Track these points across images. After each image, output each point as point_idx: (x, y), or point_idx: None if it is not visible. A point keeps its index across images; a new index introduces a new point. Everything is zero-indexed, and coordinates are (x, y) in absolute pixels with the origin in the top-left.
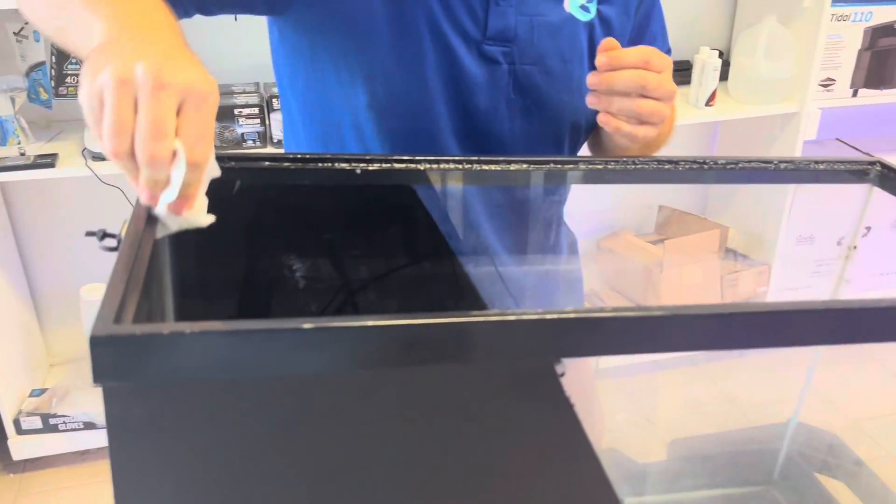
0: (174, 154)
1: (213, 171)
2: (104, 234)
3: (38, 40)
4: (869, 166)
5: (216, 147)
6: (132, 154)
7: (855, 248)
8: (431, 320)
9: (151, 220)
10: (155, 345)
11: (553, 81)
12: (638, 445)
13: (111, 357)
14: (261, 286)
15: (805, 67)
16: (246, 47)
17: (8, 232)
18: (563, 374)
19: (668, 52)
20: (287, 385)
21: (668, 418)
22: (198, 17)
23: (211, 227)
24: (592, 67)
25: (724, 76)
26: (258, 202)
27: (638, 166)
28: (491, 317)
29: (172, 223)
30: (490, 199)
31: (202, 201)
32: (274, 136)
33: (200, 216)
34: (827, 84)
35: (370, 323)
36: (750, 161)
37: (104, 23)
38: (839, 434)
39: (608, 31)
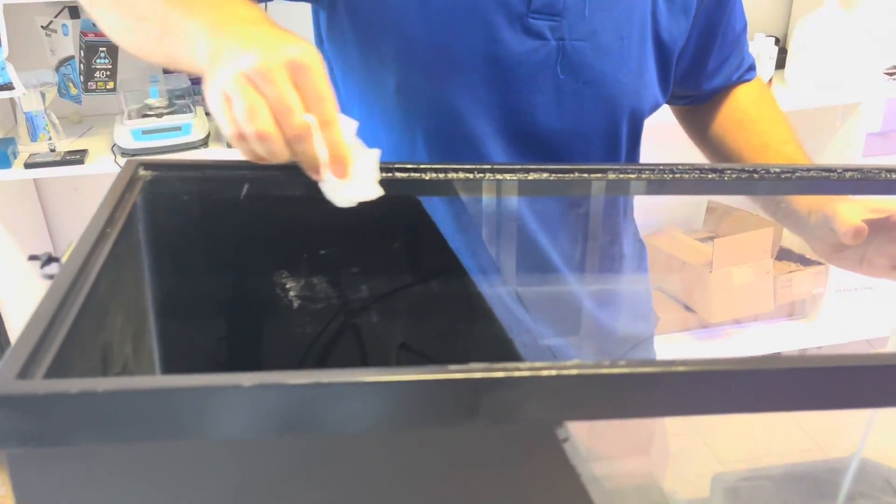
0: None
1: (350, 125)
2: (49, 259)
3: (66, 34)
4: None
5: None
6: (268, 135)
7: None
8: (399, 378)
9: (103, 239)
10: (63, 405)
11: (608, 60)
12: (676, 477)
13: (12, 420)
14: (252, 307)
15: (869, 55)
16: None
17: (42, 227)
18: (566, 440)
19: (745, 26)
20: (227, 447)
21: (712, 447)
22: None
23: (196, 240)
24: (656, 46)
25: (780, 65)
26: (247, 214)
27: (677, 176)
28: (464, 374)
29: (342, 199)
30: (516, 211)
31: (367, 172)
32: None
33: (369, 188)
34: (893, 73)
35: (325, 380)
36: (808, 170)
37: (200, 33)
38: None
39: (670, 4)
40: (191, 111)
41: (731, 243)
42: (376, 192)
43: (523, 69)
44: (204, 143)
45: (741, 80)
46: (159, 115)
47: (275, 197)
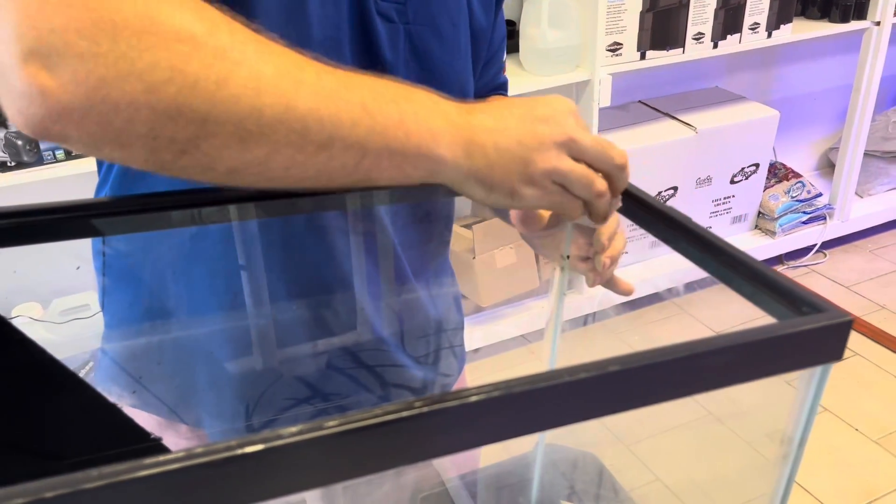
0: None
1: None
2: None
3: None
4: None
5: None
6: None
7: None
8: None
9: None
10: None
11: (446, 47)
12: (379, 496)
13: None
14: None
15: (591, 34)
16: None
17: None
18: None
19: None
20: None
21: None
22: None
23: None
24: (472, 36)
25: (516, 48)
26: None
27: None
28: None
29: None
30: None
31: None
32: None
33: None
34: (614, 49)
35: None
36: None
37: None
38: (598, 451)
39: None
40: None
41: (490, 227)
42: None
43: (384, 48)
44: None
45: (497, 92)
46: None
47: None
